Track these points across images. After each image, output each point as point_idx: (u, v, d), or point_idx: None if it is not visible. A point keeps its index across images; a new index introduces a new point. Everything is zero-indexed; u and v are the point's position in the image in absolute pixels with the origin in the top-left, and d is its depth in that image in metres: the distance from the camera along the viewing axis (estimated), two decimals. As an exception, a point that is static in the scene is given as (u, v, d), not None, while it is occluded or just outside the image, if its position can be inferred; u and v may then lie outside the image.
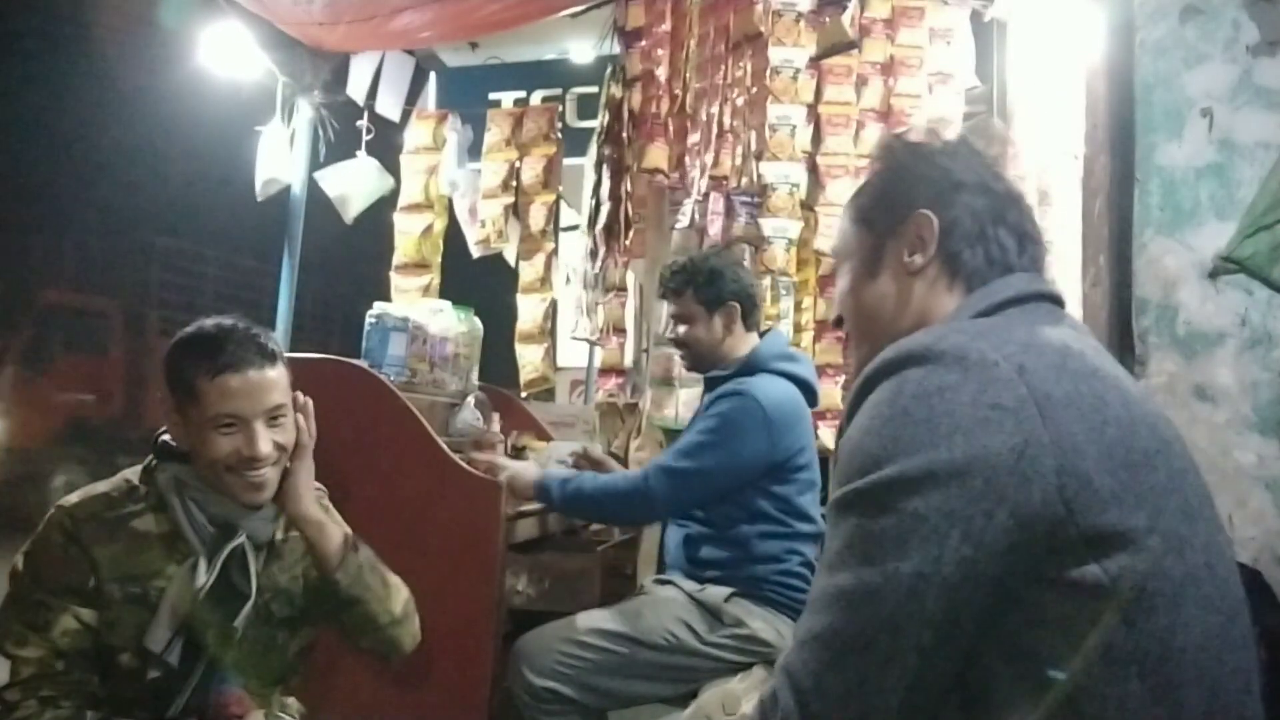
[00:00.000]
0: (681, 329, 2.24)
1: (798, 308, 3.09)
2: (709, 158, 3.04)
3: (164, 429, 1.46)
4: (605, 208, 3.36)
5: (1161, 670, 0.78)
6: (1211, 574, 0.83)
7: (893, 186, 1.05)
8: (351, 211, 3.94)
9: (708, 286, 2.21)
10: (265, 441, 1.38)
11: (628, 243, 3.35)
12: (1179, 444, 0.88)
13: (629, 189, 3.32)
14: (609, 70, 3.47)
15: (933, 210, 0.99)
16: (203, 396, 1.36)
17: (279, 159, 3.91)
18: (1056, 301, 0.98)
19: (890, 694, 0.78)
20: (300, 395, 1.48)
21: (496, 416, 2.62)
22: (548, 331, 3.59)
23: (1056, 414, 0.80)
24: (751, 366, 2.16)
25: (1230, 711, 0.80)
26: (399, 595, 1.55)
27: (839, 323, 1.15)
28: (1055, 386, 0.81)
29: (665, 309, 2.35)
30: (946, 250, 0.99)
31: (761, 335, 2.27)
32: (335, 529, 1.48)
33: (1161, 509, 0.81)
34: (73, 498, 1.40)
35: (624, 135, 3.24)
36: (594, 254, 3.43)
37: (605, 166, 3.37)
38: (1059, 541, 0.78)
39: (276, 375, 1.41)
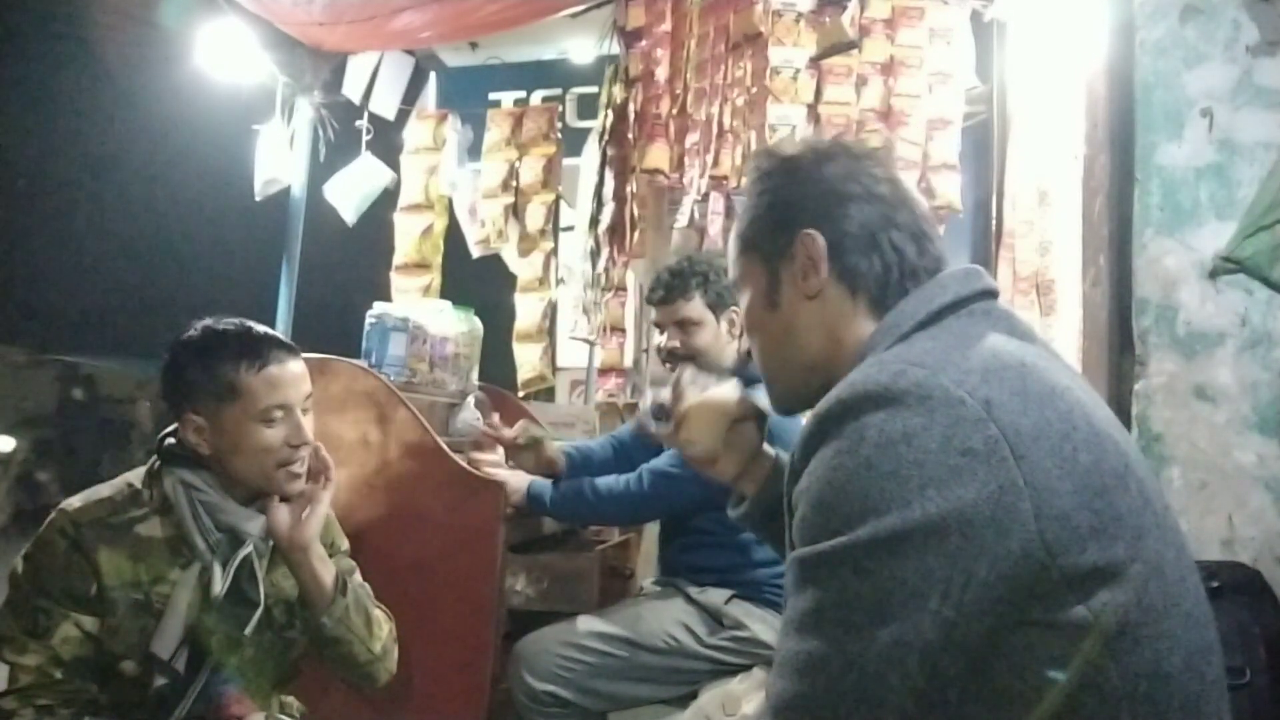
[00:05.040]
0: (682, 338, 2.11)
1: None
2: (709, 158, 3.04)
3: (168, 432, 1.46)
4: (609, 208, 3.36)
5: (1150, 701, 0.75)
6: (1185, 586, 0.81)
7: (773, 209, 0.99)
8: (354, 214, 3.94)
9: (715, 286, 2.10)
10: (308, 428, 1.42)
11: (634, 243, 3.34)
12: (1129, 443, 0.86)
13: (634, 189, 3.31)
14: (609, 70, 3.47)
15: (816, 228, 0.95)
16: (248, 392, 1.37)
17: (278, 159, 3.91)
18: (993, 294, 0.94)
19: None
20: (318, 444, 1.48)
21: (496, 416, 2.61)
22: (546, 331, 3.59)
23: (1028, 451, 0.76)
24: (746, 376, 2.08)
25: None
26: (381, 631, 1.54)
27: (750, 354, 1.11)
28: (1023, 418, 0.77)
29: (657, 315, 2.18)
30: (840, 266, 0.95)
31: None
32: (329, 570, 1.46)
33: (1140, 531, 0.79)
34: (75, 501, 1.38)
35: (629, 136, 3.24)
36: (594, 254, 3.43)
37: (609, 167, 3.37)
38: (1042, 586, 0.74)
39: (302, 365, 1.45)
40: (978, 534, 0.74)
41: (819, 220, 0.95)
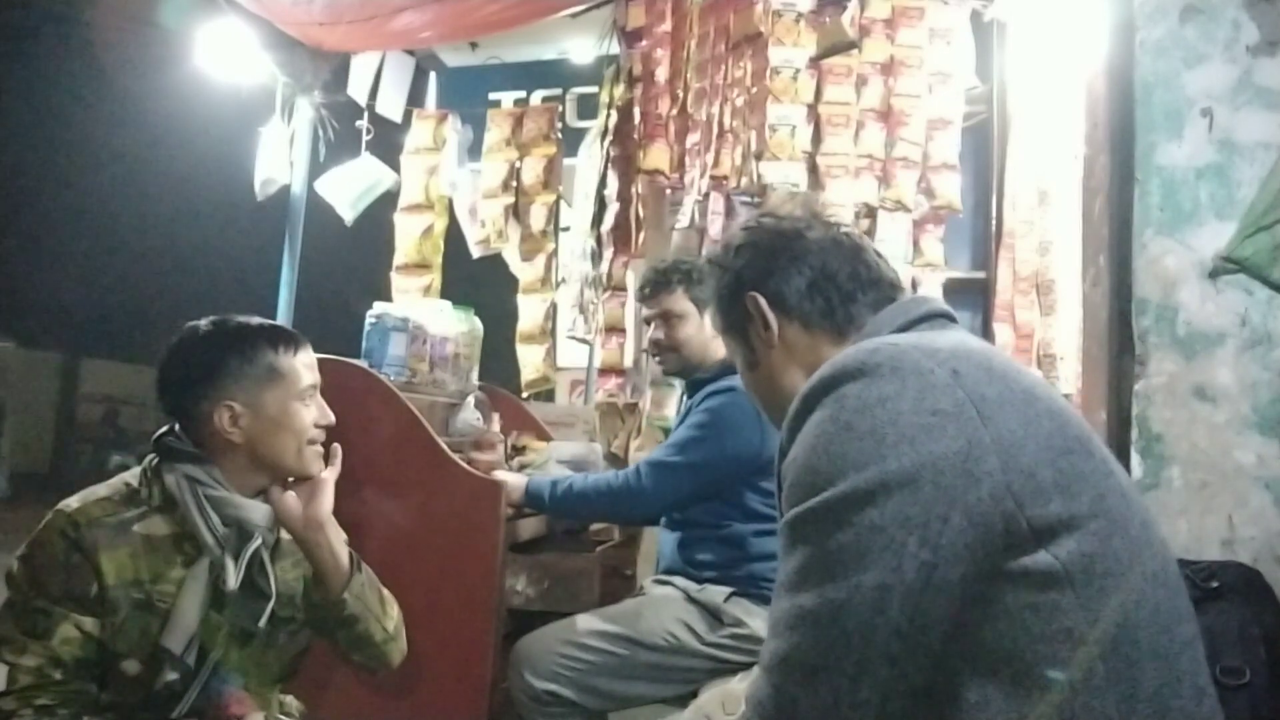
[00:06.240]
0: (666, 330, 2.20)
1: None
2: (709, 158, 3.04)
3: (164, 429, 1.46)
4: (613, 209, 3.36)
5: (1119, 649, 0.80)
6: (1151, 551, 0.86)
7: (725, 291, 1.16)
8: (352, 213, 3.94)
9: (700, 284, 2.16)
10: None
11: (640, 243, 3.34)
12: (1093, 432, 0.93)
13: (638, 190, 3.31)
14: (609, 70, 3.47)
15: (755, 289, 1.11)
16: (290, 373, 1.44)
17: (279, 159, 3.91)
18: (951, 318, 1.05)
19: (865, 708, 0.79)
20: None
21: (496, 416, 2.61)
22: (548, 332, 3.59)
23: (993, 413, 0.83)
24: (725, 371, 2.13)
25: (1184, 681, 0.82)
26: (392, 610, 1.57)
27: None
28: (988, 388, 0.85)
29: (644, 310, 2.27)
30: (787, 312, 1.10)
31: None
32: (344, 547, 1.49)
33: (1102, 492, 0.84)
34: (73, 502, 1.37)
35: (634, 135, 3.24)
36: (596, 254, 3.43)
37: (613, 167, 3.37)
38: (1011, 535, 0.80)
39: None
40: (949, 483, 0.80)
41: (757, 284, 1.12)
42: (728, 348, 1.21)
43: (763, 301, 1.11)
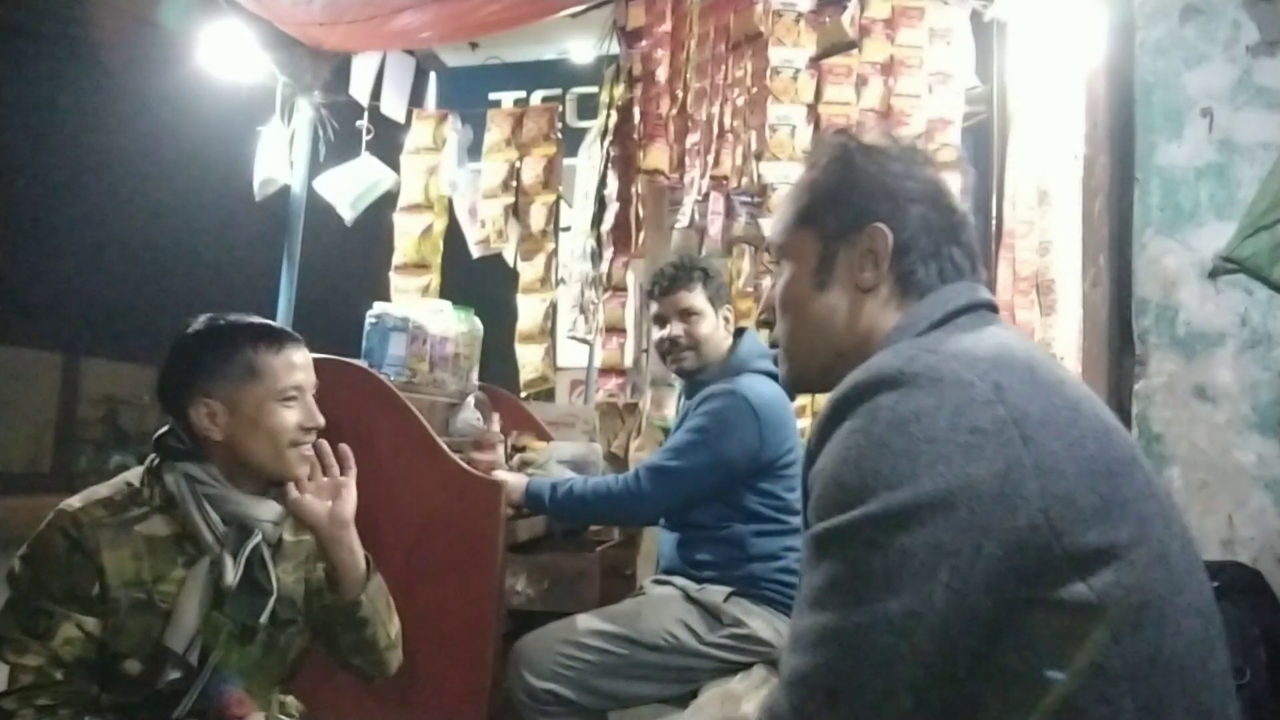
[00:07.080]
0: (686, 326, 2.19)
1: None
2: (709, 158, 3.04)
3: (164, 429, 1.46)
4: (613, 209, 3.36)
5: (1150, 685, 0.76)
6: (1190, 579, 0.82)
7: (846, 190, 0.99)
8: (351, 213, 3.94)
9: (715, 281, 2.21)
10: (319, 411, 1.46)
11: (639, 244, 3.34)
12: (1138, 448, 0.88)
13: (639, 190, 3.31)
14: (609, 70, 3.47)
15: (889, 224, 0.96)
16: (269, 372, 1.42)
17: (278, 159, 3.91)
18: (993, 309, 0.97)
19: None
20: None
21: (496, 416, 2.61)
22: (548, 332, 3.59)
23: (1035, 434, 0.78)
24: (735, 367, 2.16)
25: (1214, 716, 0.79)
26: (395, 619, 1.57)
27: (766, 324, 1.08)
28: (1031, 404, 0.80)
29: (659, 307, 2.25)
30: (901, 268, 0.96)
31: (735, 336, 2.26)
32: (361, 548, 1.49)
33: (1144, 518, 0.80)
34: (75, 502, 1.37)
35: (634, 135, 3.24)
36: (596, 254, 3.43)
37: (613, 167, 3.37)
38: (1047, 564, 0.76)
39: (309, 356, 1.50)
40: (985, 509, 0.75)
41: (892, 217, 0.96)
42: (793, 245, 1.02)
43: (890, 242, 0.95)
